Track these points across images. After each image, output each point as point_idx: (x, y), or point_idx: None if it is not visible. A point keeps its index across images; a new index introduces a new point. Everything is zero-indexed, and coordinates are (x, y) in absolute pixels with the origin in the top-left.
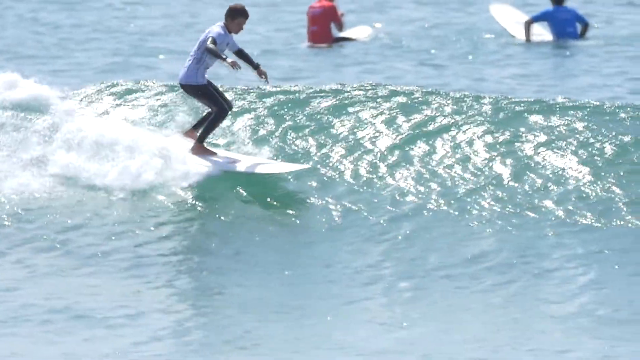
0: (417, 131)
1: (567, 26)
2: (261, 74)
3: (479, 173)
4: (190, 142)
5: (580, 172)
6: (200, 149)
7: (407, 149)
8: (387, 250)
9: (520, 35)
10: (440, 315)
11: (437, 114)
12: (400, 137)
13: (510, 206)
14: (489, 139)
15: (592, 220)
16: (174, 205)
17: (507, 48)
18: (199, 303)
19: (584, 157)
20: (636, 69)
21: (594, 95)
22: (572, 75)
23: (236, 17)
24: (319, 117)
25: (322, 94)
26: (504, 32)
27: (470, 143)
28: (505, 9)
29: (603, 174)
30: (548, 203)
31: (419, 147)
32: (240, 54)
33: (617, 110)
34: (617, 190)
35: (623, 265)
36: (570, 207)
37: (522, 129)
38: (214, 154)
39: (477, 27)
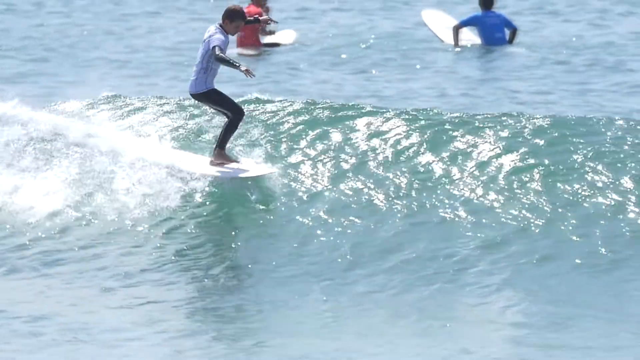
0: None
1: (495, 31)
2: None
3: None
4: (216, 168)
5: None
6: (221, 156)
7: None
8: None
9: (449, 40)
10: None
11: (390, 127)
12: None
13: (442, 212)
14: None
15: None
16: (177, 216)
17: (435, 53)
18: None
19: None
20: (563, 75)
21: (521, 101)
22: (499, 79)
23: (235, 19)
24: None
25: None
26: (433, 37)
27: (417, 153)
28: (436, 14)
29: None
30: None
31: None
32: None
33: (556, 120)
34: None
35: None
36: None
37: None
38: (235, 161)
39: (405, 33)
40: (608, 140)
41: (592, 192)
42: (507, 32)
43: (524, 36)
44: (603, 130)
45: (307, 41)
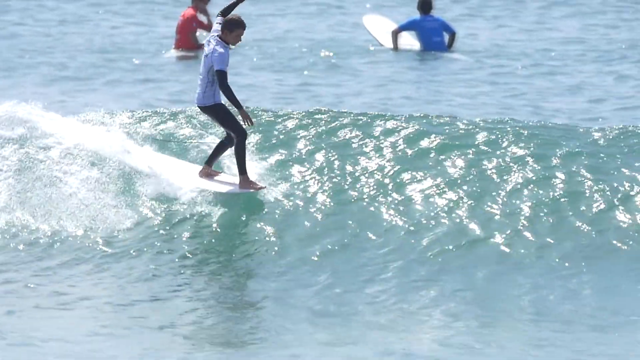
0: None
1: (434, 35)
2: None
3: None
4: (206, 180)
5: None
6: (247, 181)
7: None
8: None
9: (389, 45)
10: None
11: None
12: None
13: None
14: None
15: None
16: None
17: (374, 57)
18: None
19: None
20: (501, 79)
21: (458, 104)
22: (436, 83)
23: (234, 29)
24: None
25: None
26: (372, 41)
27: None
28: (377, 19)
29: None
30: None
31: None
32: None
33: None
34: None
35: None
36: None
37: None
38: (262, 187)
39: (343, 37)
40: (547, 141)
41: (532, 193)
42: (446, 37)
43: (463, 40)
44: (541, 132)
45: (245, 44)
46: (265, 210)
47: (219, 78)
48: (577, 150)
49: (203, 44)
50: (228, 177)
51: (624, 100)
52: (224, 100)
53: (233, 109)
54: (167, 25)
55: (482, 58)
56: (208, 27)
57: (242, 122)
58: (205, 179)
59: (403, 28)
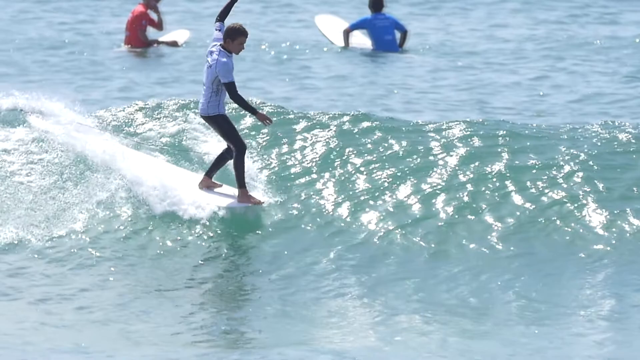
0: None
1: (385, 34)
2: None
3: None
4: (206, 192)
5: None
6: (245, 195)
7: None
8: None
9: (341, 44)
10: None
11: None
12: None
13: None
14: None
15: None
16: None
17: (325, 57)
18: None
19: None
20: (452, 77)
21: (411, 100)
22: (387, 82)
23: (236, 37)
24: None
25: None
26: (325, 41)
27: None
28: (329, 18)
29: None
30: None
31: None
32: None
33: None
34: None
35: None
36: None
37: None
38: (260, 202)
39: (293, 36)
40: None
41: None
42: (398, 35)
43: (414, 38)
44: (499, 131)
45: (197, 42)
46: (263, 219)
47: (228, 90)
48: (524, 146)
49: (153, 42)
50: (229, 189)
51: (573, 96)
52: (234, 106)
53: (243, 114)
54: (117, 22)
55: (433, 56)
56: (158, 25)
57: (263, 122)
58: (206, 190)
59: (354, 27)
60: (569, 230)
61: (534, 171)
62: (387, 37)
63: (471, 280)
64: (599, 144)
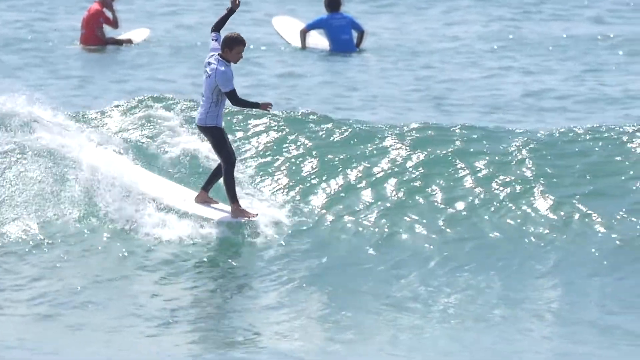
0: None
1: (341, 33)
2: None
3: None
4: (202, 207)
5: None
6: (239, 211)
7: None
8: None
9: (297, 45)
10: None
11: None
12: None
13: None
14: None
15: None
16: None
17: (281, 57)
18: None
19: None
20: (411, 76)
21: (365, 99)
22: (344, 80)
23: (234, 46)
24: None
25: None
26: (281, 42)
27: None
28: (286, 20)
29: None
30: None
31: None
32: None
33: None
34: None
35: None
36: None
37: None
38: (254, 215)
39: (251, 36)
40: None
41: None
42: (355, 35)
43: (370, 37)
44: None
45: (154, 40)
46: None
47: (230, 98)
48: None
49: (109, 40)
50: (224, 206)
51: (527, 91)
52: (240, 111)
53: (245, 121)
54: (73, 20)
55: (389, 54)
56: (114, 23)
57: (267, 109)
58: (202, 205)
59: (311, 27)
60: (519, 214)
61: (486, 158)
62: (344, 37)
63: (420, 267)
64: (552, 134)
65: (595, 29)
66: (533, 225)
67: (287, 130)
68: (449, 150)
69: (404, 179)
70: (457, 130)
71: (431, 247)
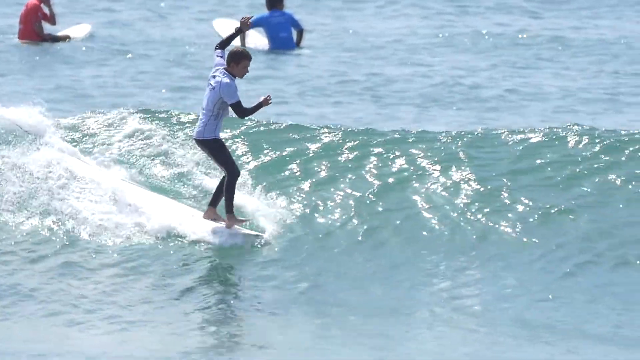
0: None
1: (280, 31)
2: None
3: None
4: (212, 222)
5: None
6: (232, 219)
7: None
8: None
9: (237, 44)
10: None
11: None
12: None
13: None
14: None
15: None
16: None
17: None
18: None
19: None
20: (349, 76)
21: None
22: (279, 81)
23: (241, 60)
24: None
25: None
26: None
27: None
28: (226, 22)
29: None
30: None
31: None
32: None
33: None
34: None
35: None
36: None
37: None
38: (246, 220)
39: (188, 37)
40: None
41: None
42: (295, 33)
43: (309, 35)
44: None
45: (94, 36)
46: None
47: (236, 109)
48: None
49: (47, 36)
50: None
51: (461, 87)
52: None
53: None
54: (10, 15)
55: (329, 52)
56: (51, 19)
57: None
58: (210, 221)
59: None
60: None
61: (413, 141)
62: (282, 34)
63: (410, 274)
64: (480, 132)
65: (531, 22)
66: (443, 226)
67: (265, 137)
68: (382, 139)
69: (389, 183)
70: (442, 138)
71: (421, 252)
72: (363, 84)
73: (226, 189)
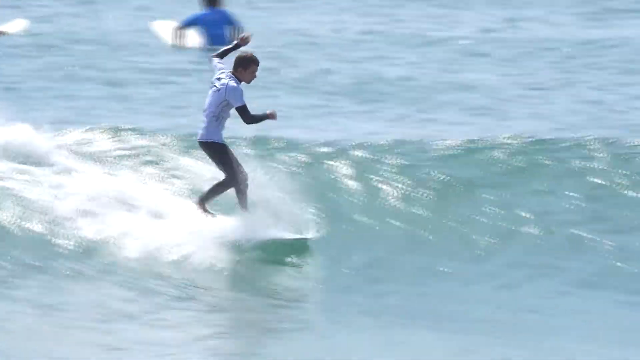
0: None
1: (215, 28)
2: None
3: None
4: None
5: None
6: (202, 208)
7: None
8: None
9: (173, 42)
10: None
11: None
12: None
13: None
14: None
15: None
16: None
17: (152, 57)
18: None
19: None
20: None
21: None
22: (185, 81)
23: (249, 65)
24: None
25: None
26: (161, 43)
27: None
28: (165, 23)
29: None
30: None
31: None
32: None
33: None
34: None
35: None
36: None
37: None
38: (211, 213)
39: (118, 36)
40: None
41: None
42: (230, 30)
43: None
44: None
45: (31, 32)
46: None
47: (241, 114)
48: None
49: None
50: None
51: (404, 83)
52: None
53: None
54: None
55: (266, 50)
56: None
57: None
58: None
59: (185, 24)
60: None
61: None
62: (216, 32)
63: (406, 281)
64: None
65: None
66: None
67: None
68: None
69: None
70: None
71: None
72: (301, 79)
73: (219, 184)
